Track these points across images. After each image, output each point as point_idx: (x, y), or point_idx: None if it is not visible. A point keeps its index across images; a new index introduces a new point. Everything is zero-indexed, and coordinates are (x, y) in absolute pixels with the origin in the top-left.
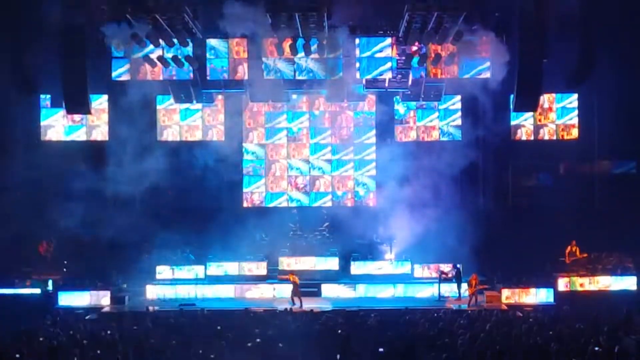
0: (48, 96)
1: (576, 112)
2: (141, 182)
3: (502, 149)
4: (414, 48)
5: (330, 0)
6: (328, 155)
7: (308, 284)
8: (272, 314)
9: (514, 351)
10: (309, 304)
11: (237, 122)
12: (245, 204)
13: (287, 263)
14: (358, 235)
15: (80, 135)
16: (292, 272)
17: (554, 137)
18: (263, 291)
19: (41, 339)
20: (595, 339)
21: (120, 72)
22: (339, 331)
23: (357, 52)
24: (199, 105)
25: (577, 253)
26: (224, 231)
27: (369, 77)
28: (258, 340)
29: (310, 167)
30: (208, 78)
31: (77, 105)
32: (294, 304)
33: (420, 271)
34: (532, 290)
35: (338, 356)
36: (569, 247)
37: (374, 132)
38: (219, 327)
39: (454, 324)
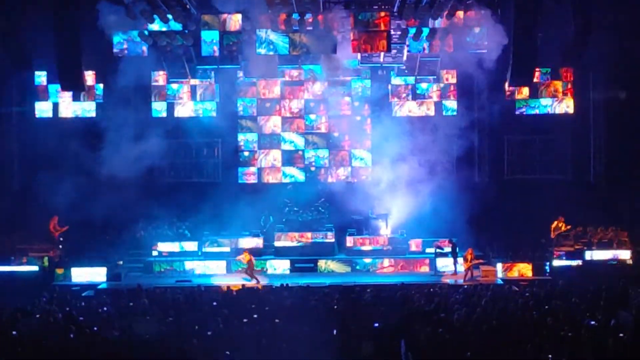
0: (44, 73)
1: (571, 86)
2: (136, 159)
3: (497, 124)
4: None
5: None
6: (323, 129)
7: (304, 260)
8: (268, 290)
9: (509, 326)
10: (305, 280)
11: (231, 97)
12: (240, 180)
13: (284, 238)
14: (354, 210)
15: (84, 113)
16: (245, 251)
17: (550, 112)
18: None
19: (37, 316)
20: (591, 313)
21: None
22: (335, 307)
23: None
24: (196, 81)
25: (563, 227)
26: (220, 207)
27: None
28: (255, 316)
29: (305, 142)
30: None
31: (72, 82)
32: (251, 280)
33: (415, 246)
34: (528, 264)
35: (335, 331)
36: (555, 222)
37: (368, 107)
38: (214, 304)
39: (450, 299)
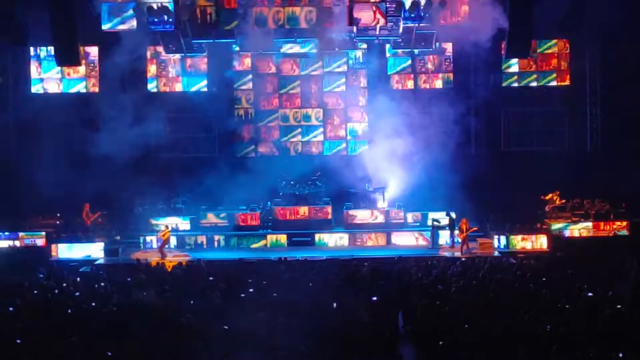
0: (42, 48)
1: (567, 57)
2: (132, 134)
3: (494, 96)
4: None
5: None
6: (319, 103)
7: (301, 234)
8: (266, 264)
9: (506, 298)
10: (302, 253)
11: (227, 71)
12: (237, 154)
13: (281, 213)
14: (350, 184)
15: (80, 89)
16: (167, 227)
17: (546, 83)
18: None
19: (35, 291)
20: (588, 285)
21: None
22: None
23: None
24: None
25: (557, 201)
26: (217, 181)
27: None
28: (251, 290)
29: (303, 117)
30: None
31: (67, 57)
32: (162, 257)
33: (413, 219)
34: (525, 236)
35: (335, 304)
36: (549, 195)
37: (364, 81)
38: (211, 278)
39: (448, 271)
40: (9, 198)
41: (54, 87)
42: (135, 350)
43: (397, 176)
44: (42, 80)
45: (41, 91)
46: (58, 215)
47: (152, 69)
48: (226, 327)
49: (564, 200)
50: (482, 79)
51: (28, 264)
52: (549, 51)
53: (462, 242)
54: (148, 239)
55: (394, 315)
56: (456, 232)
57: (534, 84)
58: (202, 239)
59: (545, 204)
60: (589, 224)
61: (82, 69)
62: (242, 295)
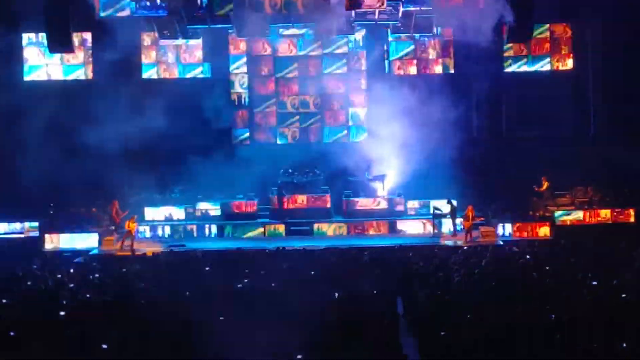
0: (32, 35)
1: (569, 41)
2: (126, 122)
3: (495, 81)
4: None
5: None
6: (318, 89)
7: (300, 223)
8: (263, 254)
9: (509, 287)
10: (301, 243)
11: (222, 57)
12: (234, 141)
13: (277, 202)
14: (350, 172)
15: (79, 75)
16: (133, 217)
17: (549, 68)
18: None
19: (29, 282)
20: (593, 273)
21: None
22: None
23: None
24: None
25: (544, 185)
26: (213, 170)
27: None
28: (245, 280)
29: (300, 104)
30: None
31: (60, 43)
32: (120, 247)
33: (414, 207)
34: (529, 224)
35: (337, 294)
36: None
37: (364, 66)
38: (207, 269)
39: (449, 260)
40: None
41: (46, 74)
42: (131, 343)
43: (397, 163)
44: (37, 67)
45: (33, 78)
46: (51, 205)
47: (145, 55)
48: (222, 318)
49: (548, 183)
50: (483, 64)
51: (21, 254)
52: (551, 35)
53: (467, 231)
54: (141, 228)
55: (394, 305)
56: (460, 219)
57: (537, 68)
58: (194, 227)
59: (538, 194)
60: (592, 211)
61: (80, 56)
62: (240, 285)
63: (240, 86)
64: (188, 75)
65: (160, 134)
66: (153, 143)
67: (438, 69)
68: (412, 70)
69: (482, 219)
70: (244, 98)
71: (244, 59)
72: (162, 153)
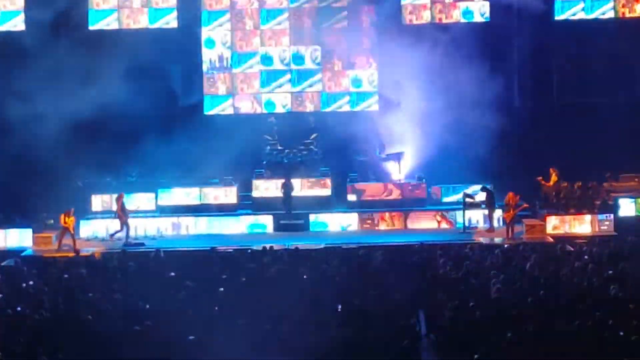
0: None
1: None
2: (71, 85)
3: (544, 33)
4: None
5: None
6: (314, 43)
7: (291, 215)
8: (245, 254)
9: (563, 297)
10: (293, 241)
11: (195, 3)
12: (206, 110)
13: (265, 187)
14: (356, 149)
15: (17, 25)
16: (70, 210)
17: (612, 15)
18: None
19: None
20: None
21: None
22: (334, 276)
23: None
24: None
25: (552, 180)
26: (181, 147)
27: None
28: (221, 289)
29: (292, 60)
30: None
31: None
32: (58, 246)
33: (438, 195)
34: (587, 217)
35: (339, 307)
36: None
37: (372, 14)
38: (172, 274)
39: (484, 263)
40: None
41: None
42: None
43: (417, 139)
44: None
45: None
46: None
47: (94, 1)
48: (192, 337)
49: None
50: (528, 10)
51: None
52: None
53: (507, 224)
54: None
55: (414, 322)
56: (497, 211)
57: (598, 15)
58: (162, 222)
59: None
60: None
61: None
62: (215, 295)
63: (222, 45)
64: (156, 25)
65: (112, 103)
66: (103, 114)
67: (468, 17)
68: (437, 17)
69: (527, 206)
70: (227, 58)
71: (227, 15)
72: (115, 127)
